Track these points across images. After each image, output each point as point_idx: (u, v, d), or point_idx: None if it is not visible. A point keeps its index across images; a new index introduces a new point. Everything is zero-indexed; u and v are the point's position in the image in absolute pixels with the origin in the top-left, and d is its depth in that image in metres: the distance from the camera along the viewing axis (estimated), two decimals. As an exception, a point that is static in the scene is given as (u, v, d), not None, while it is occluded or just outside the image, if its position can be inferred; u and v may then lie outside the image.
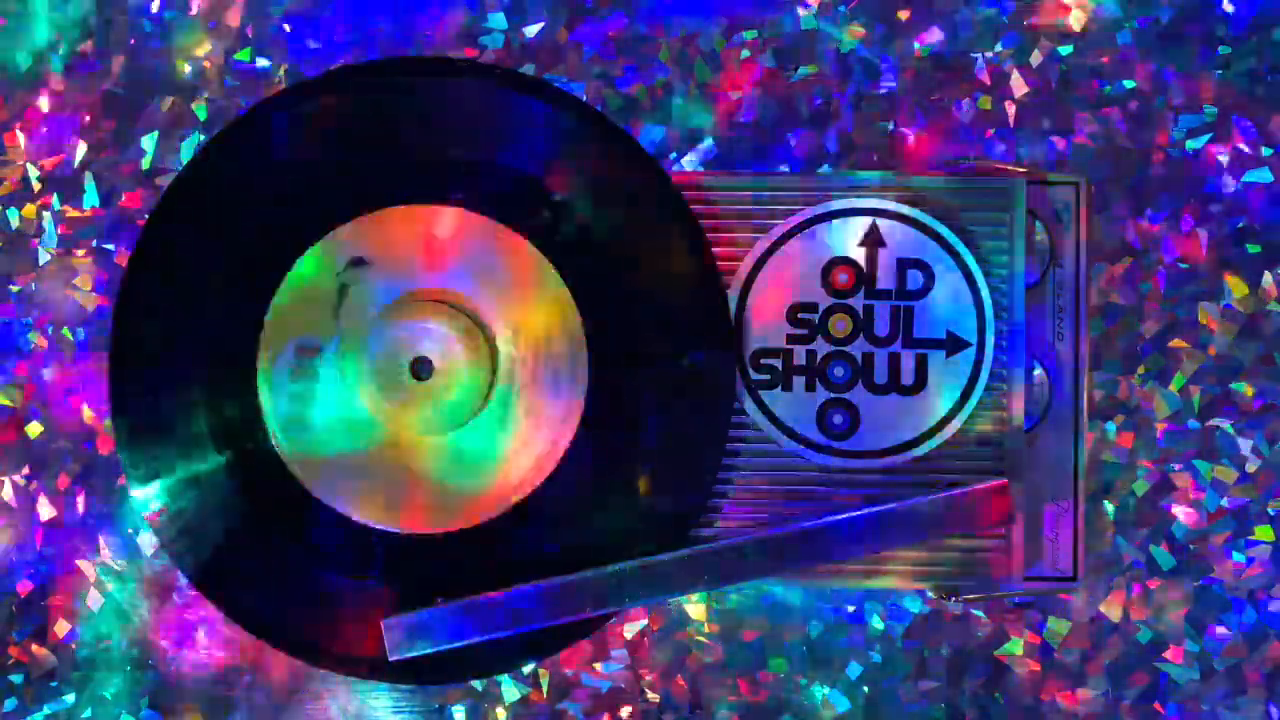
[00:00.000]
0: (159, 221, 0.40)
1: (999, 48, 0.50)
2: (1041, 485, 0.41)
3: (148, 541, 0.49)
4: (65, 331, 0.50)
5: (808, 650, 0.48)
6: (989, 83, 0.50)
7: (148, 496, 0.40)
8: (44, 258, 0.50)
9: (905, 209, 0.40)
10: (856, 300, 0.40)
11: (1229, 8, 0.50)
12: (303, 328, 0.40)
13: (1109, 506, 0.49)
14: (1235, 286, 0.49)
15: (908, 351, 0.40)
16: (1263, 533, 0.48)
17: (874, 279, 0.40)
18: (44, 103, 0.50)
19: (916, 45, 0.50)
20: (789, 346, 0.40)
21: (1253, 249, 0.49)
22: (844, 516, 0.39)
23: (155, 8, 0.51)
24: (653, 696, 0.48)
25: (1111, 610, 0.48)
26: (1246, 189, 0.49)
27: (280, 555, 0.40)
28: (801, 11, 0.50)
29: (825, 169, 0.49)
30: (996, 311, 0.40)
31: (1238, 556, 0.48)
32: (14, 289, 0.50)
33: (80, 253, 0.50)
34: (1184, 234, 0.49)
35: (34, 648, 0.49)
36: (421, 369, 0.39)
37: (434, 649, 0.39)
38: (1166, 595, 0.48)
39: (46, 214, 0.50)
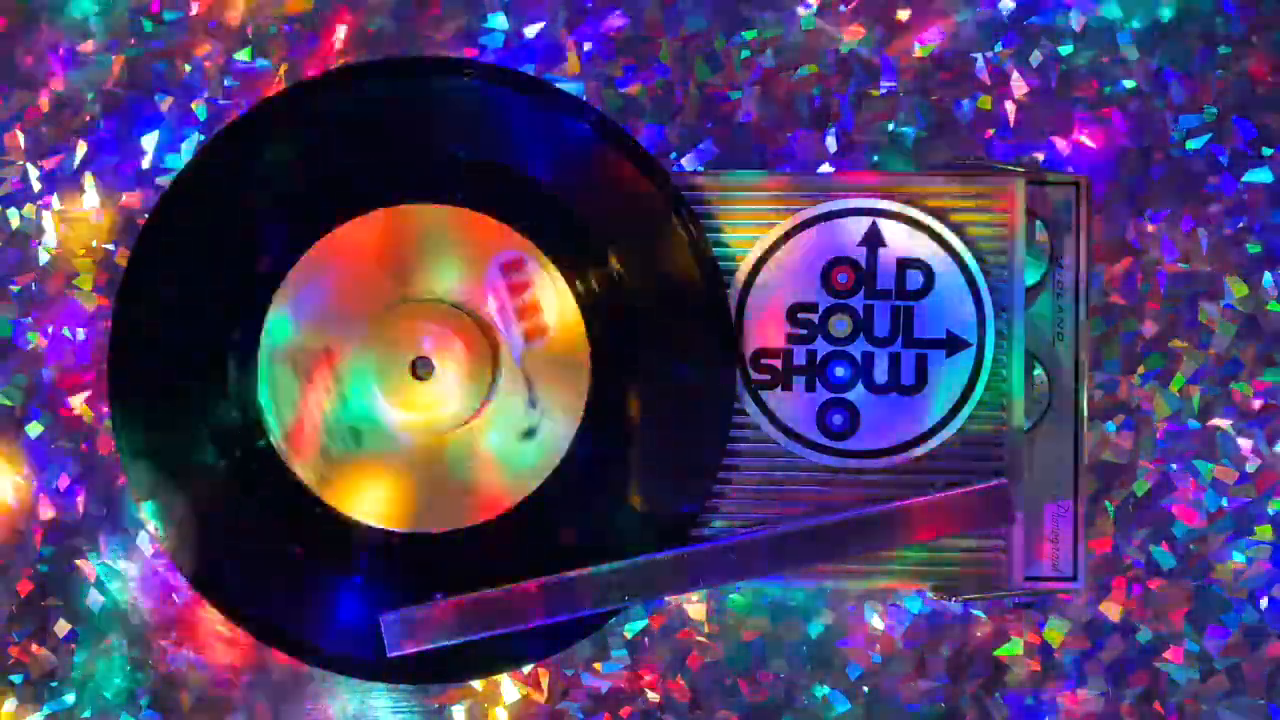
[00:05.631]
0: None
1: (999, 48, 0.50)
2: (1041, 485, 0.41)
3: (147, 541, 0.49)
4: (65, 331, 0.50)
5: (808, 650, 0.48)
6: (989, 83, 0.50)
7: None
8: (44, 258, 0.50)
9: (905, 209, 0.40)
10: (856, 300, 0.40)
11: (1229, 8, 0.50)
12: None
13: (1109, 506, 0.49)
14: (1235, 286, 0.49)
15: (908, 351, 0.40)
16: (1263, 533, 0.48)
17: (874, 279, 0.40)
18: (44, 103, 0.50)
19: (916, 45, 0.50)
20: (789, 346, 0.40)
21: (1253, 249, 0.49)
22: (844, 516, 0.39)
23: (155, 8, 0.51)
24: (653, 696, 0.48)
25: (1111, 610, 0.48)
26: (1246, 189, 0.49)
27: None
28: (801, 11, 0.50)
29: (825, 169, 0.49)
30: (996, 311, 0.40)
31: (1238, 556, 0.48)
32: (14, 289, 0.50)
33: (80, 253, 0.50)
34: (1184, 234, 0.49)
35: (34, 648, 0.49)
36: (421, 369, 0.39)
37: (432, 645, 0.39)
38: (1166, 595, 0.48)
39: (46, 214, 0.50)
